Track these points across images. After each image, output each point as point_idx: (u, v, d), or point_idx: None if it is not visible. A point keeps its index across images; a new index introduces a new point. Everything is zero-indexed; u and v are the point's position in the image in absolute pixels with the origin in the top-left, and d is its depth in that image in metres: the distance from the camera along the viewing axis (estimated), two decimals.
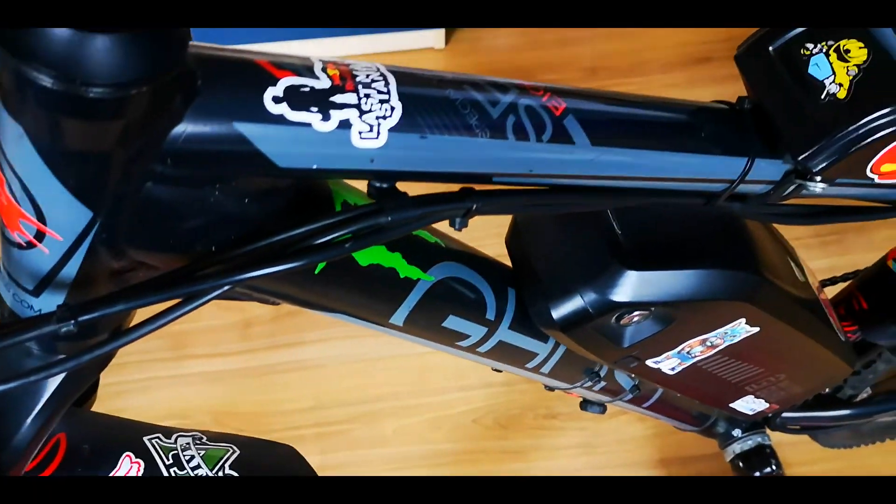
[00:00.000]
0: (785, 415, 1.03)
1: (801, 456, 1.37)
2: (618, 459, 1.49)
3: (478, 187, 0.44)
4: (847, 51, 0.49)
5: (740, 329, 0.64)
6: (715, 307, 0.60)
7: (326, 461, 1.47)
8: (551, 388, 0.76)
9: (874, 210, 0.64)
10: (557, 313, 0.57)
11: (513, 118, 0.42)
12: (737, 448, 1.03)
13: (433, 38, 1.99)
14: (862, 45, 0.49)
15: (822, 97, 0.49)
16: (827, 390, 1.04)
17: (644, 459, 1.49)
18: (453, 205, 0.43)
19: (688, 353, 0.66)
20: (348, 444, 1.49)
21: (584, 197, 0.47)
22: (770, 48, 0.52)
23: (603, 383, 0.74)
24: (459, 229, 0.44)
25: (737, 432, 1.03)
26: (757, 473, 1.03)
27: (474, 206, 0.43)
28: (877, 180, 0.52)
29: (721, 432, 1.04)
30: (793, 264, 0.74)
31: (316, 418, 1.51)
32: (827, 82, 0.49)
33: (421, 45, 2.01)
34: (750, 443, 1.03)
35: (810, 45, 0.50)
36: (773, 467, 1.04)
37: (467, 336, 0.57)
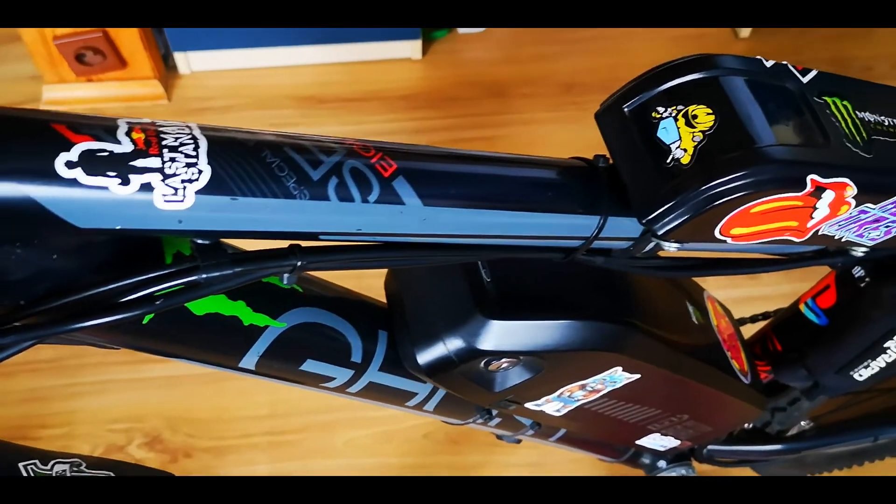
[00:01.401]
0: (711, 448, 1.04)
1: None
2: None
3: (306, 243, 0.45)
4: (695, 116, 0.50)
5: (619, 376, 0.65)
6: (584, 356, 0.60)
7: (276, 470, 1.48)
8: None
9: (764, 262, 0.65)
10: (422, 359, 0.57)
11: (335, 180, 0.42)
12: None
13: (410, 49, 2.00)
14: (710, 111, 0.50)
15: (668, 162, 0.49)
16: (749, 426, 1.04)
17: None
18: (276, 262, 0.43)
19: (569, 396, 0.66)
20: (299, 453, 1.50)
21: (420, 253, 0.48)
22: (625, 108, 0.52)
23: (498, 419, 0.75)
24: (288, 284, 0.45)
25: (662, 464, 1.03)
26: None
27: (299, 263, 0.44)
28: (730, 242, 0.53)
29: (646, 463, 1.04)
30: (691, 308, 0.75)
31: (269, 427, 1.52)
32: (673, 147, 0.50)
33: (398, 56, 2.02)
34: (674, 475, 1.03)
35: (661, 109, 0.51)
36: None
37: (332, 378, 0.58)
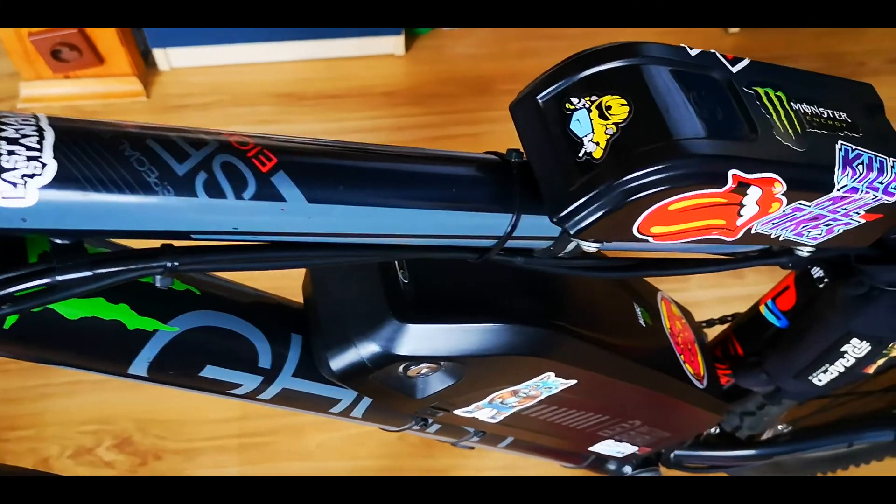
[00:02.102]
0: (678, 453, 1.01)
1: None
2: None
3: (181, 243, 0.42)
4: (609, 107, 0.47)
5: (553, 382, 0.61)
6: (509, 362, 0.57)
7: (246, 473, 1.46)
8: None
9: (704, 262, 0.61)
10: (335, 364, 0.54)
11: (204, 175, 0.39)
12: None
13: (393, 44, 1.97)
14: (624, 102, 0.46)
15: (580, 156, 0.46)
16: (715, 430, 1.00)
17: None
18: (143, 263, 0.40)
19: (501, 403, 0.63)
20: (270, 456, 1.47)
21: (312, 253, 0.45)
22: (539, 99, 0.49)
23: (437, 426, 0.71)
24: (163, 286, 0.42)
25: (627, 469, 1.00)
26: None
27: (170, 265, 0.41)
28: (652, 241, 0.49)
29: (612, 469, 1.01)
30: (639, 310, 0.72)
31: (240, 429, 1.50)
32: (586, 140, 0.46)
33: (381, 52, 1.99)
34: None
35: (574, 100, 0.48)
36: None
37: (238, 385, 0.55)
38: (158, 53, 1.92)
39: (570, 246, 0.51)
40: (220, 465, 1.46)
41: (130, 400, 1.52)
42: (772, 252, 0.60)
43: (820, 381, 0.75)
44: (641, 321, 0.71)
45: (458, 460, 1.49)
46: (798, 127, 0.50)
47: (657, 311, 0.75)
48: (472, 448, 0.87)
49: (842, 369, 0.73)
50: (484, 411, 0.64)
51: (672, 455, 1.00)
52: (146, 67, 1.94)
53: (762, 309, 0.80)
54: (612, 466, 1.01)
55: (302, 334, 0.57)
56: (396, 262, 0.55)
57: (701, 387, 0.76)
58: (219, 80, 1.95)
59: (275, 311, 0.57)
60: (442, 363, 0.56)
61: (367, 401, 0.64)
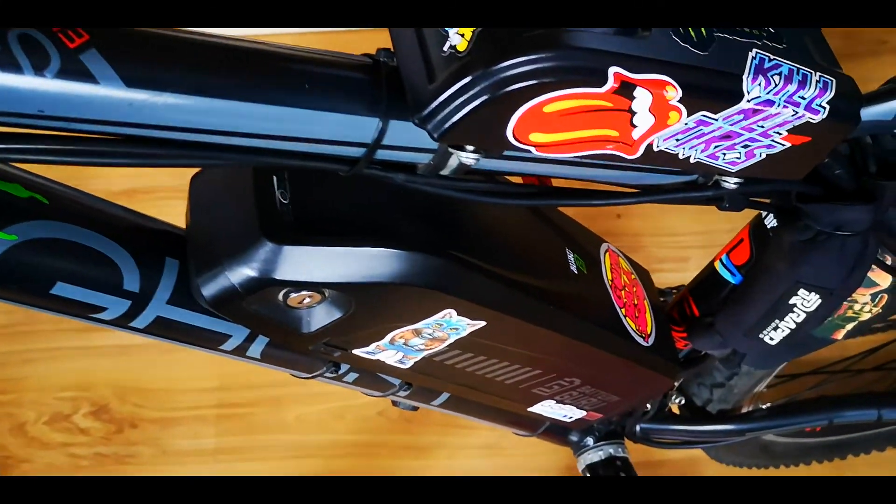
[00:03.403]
0: (644, 426, 0.95)
1: None
2: (524, 463, 1.41)
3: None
4: None
5: (457, 322, 0.57)
6: (400, 294, 0.53)
7: (222, 444, 1.43)
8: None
9: (621, 194, 0.56)
10: (206, 290, 0.50)
11: None
12: (588, 458, 0.95)
13: None
14: None
15: (444, 50, 0.42)
16: (679, 401, 0.95)
17: (553, 465, 1.41)
18: None
19: (405, 344, 0.59)
20: (247, 428, 1.45)
21: (138, 150, 0.41)
22: None
23: (355, 374, 0.67)
24: None
25: (589, 441, 0.95)
26: None
27: None
28: (535, 152, 0.45)
29: (575, 440, 0.96)
30: (572, 256, 0.67)
31: (218, 399, 1.47)
32: (451, 33, 0.42)
33: None
34: (601, 454, 0.95)
35: None
36: None
37: (102, 308, 0.51)
38: None
39: (453, 162, 0.47)
40: (197, 436, 1.44)
41: (112, 367, 1.50)
42: (696, 184, 0.55)
43: (772, 339, 0.70)
44: (573, 268, 0.66)
45: (438, 437, 1.45)
46: (703, 30, 0.45)
47: (597, 261, 0.70)
48: (416, 409, 0.83)
49: (793, 325, 0.67)
50: (388, 353, 0.59)
51: (638, 428, 0.95)
52: None
53: (717, 265, 0.75)
54: (574, 438, 0.96)
55: (179, 259, 0.53)
56: (276, 181, 0.50)
57: (645, 345, 0.71)
58: None
59: (147, 232, 0.53)
60: (326, 293, 0.52)
61: (262, 340, 0.60)
